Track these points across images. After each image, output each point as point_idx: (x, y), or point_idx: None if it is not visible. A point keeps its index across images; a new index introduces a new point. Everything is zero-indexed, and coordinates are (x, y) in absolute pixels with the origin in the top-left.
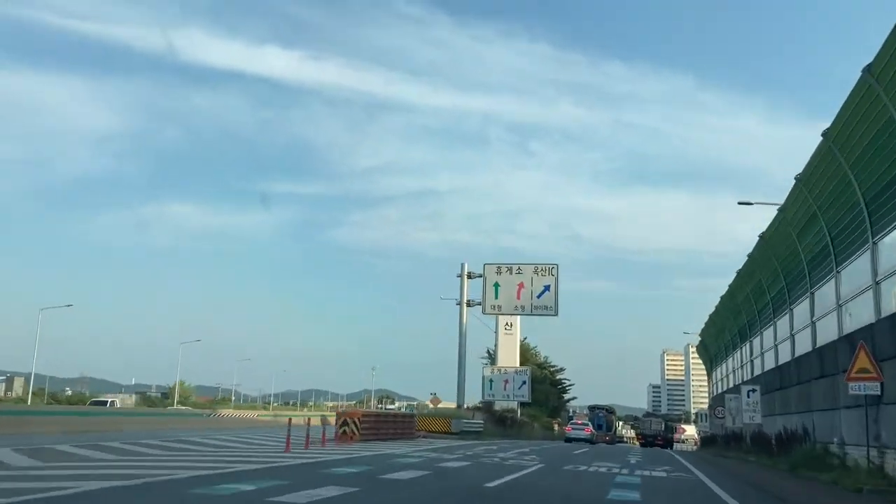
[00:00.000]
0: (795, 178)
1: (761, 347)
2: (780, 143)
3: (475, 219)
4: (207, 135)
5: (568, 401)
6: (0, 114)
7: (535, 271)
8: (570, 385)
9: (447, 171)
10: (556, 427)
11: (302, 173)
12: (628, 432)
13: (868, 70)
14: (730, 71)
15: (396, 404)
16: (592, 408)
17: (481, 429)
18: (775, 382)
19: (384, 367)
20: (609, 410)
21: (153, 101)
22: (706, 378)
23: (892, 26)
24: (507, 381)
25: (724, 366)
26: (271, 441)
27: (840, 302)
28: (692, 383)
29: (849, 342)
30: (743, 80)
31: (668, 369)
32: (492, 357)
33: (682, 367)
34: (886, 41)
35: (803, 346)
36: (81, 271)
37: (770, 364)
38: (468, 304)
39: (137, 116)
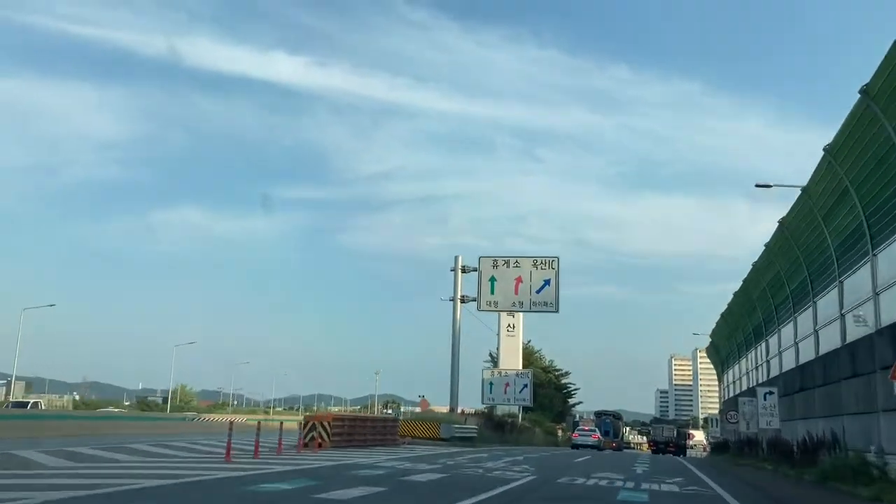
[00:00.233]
0: (824, 150)
1: (779, 346)
2: (788, 146)
3: (481, 223)
4: (214, 140)
5: (573, 405)
6: (8, 119)
7: (534, 265)
8: (575, 389)
9: (453, 176)
10: (560, 433)
11: (308, 179)
12: (635, 438)
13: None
14: (737, 75)
15: (402, 409)
16: (599, 413)
17: (475, 434)
18: (796, 384)
19: (391, 373)
20: (616, 416)
21: (160, 106)
22: (716, 382)
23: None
24: (507, 385)
25: (736, 368)
26: (221, 449)
27: (878, 289)
28: (700, 388)
29: (891, 334)
30: (750, 83)
31: (675, 374)
32: (494, 360)
33: (690, 372)
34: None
35: (830, 342)
36: (88, 276)
37: (789, 364)
38: (462, 301)
39: (145, 122)
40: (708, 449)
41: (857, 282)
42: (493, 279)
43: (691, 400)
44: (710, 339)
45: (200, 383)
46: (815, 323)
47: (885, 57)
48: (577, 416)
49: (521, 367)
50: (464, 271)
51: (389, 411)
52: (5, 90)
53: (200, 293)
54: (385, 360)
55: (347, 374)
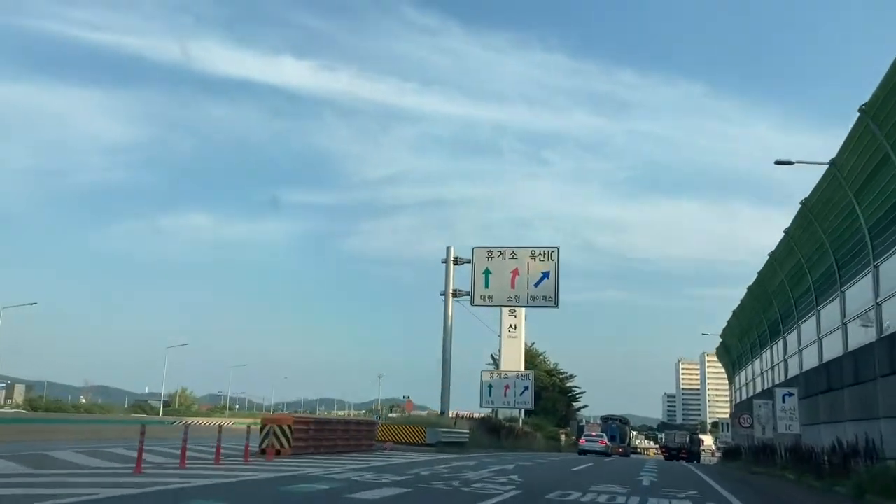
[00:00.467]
0: (860, 111)
1: (799, 343)
2: (795, 150)
3: (486, 227)
4: (221, 145)
5: (578, 409)
6: (17, 124)
7: (532, 256)
8: (580, 393)
9: (459, 180)
10: (563, 438)
11: (314, 183)
12: (642, 443)
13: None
14: (743, 78)
15: (391, 414)
16: (605, 418)
17: (466, 439)
18: (820, 384)
19: (398, 377)
20: (623, 421)
21: (168, 111)
22: (727, 384)
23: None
24: (507, 387)
25: (749, 369)
26: (158, 459)
27: None
28: (708, 392)
29: None
30: (757, 87)
31: (683, 378)
32: (496, 363)
33: (698, 377)
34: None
35: (861, 335)
36: (96, 280)
37: (811, 362)
38: (455, 295)
39: (152, 126)
40: (716, 454)
41: None
42: (487, 272)
43: (699, 404)
44: (720, 340)
45: (207, 387)
46: (844, 315)
47: None
48: (583, 420)
49: (522, 369)
50: (456, 263)
51: (373, 414)
52: (15, 94)
53: (207, 297)
54: (392, 364)
55: (355, 378)
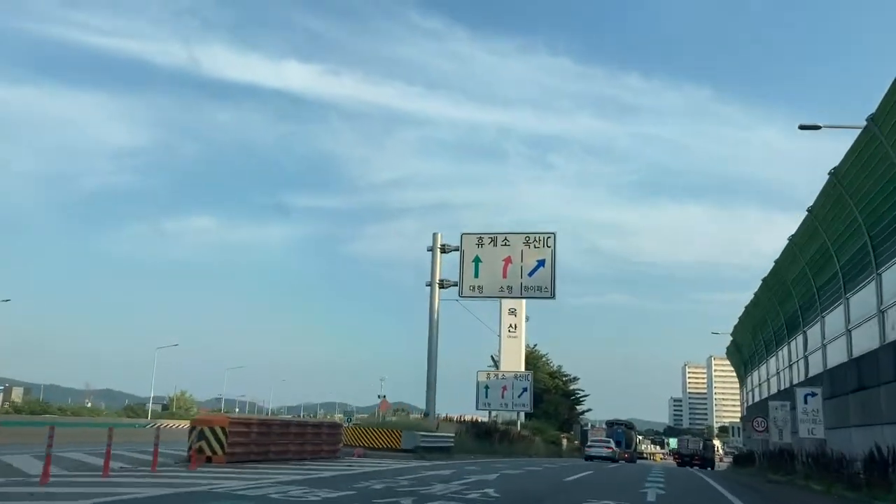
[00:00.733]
0: None
1: (822, 337)
2: (802, 154)
3: (491, 230)
4: (226, 149)
5: (582, 413)
6: (24, 128)
7: (526, 242)
8: (584, 396)
9: (464, 184)
10: (564, 442)
11: (319, 187)
12: (648, 447)
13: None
14: (748, 82)
15: (411, 417)
16: (611, 423)
17: (451, 444)
18: (849, 381)
19: (402, 381)
20: (628, 426)
21: (174, 115)
22: (735, 388)
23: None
24: (505, 388)
25: (763, 368)
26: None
27: None
28: (715, 396)
29: None
30: (762, 91)
31: (689, 382)
32: (496, 365)
33: (705, 381)
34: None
35: None
36: (101, 283)
37: (838, 357)
38: (442, 286)
39: (158, 131)
40: (724, 459)
41: None
42: (477, 260)
43: (706, 408)
44: (730, 338)
45: (212, 391)
46: (881, 301)
47: None
48: (587, 424)
49: (523, 370)
50: (443, 251)
51: (341, 416)
52: (23, 98)
53: (212, 300)
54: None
55: (359, 382)
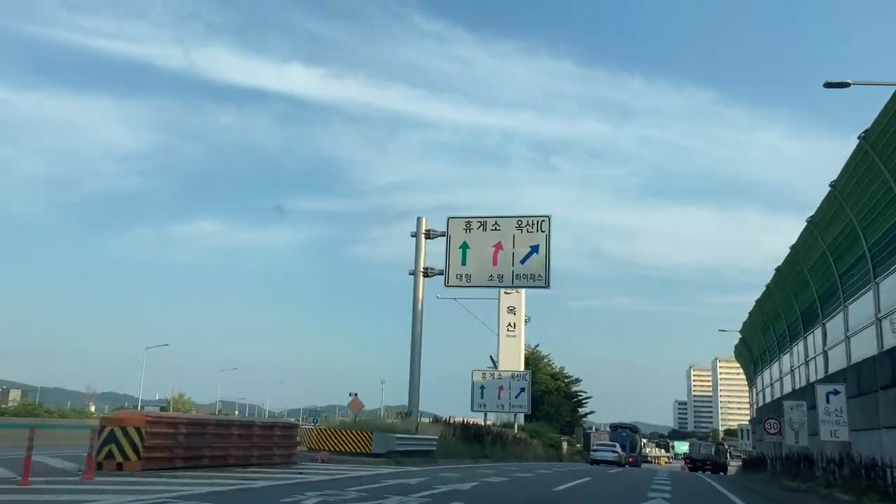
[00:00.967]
0: None
1: (846, 329)
2: (806, 156)
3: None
4: (230, 152)
5: (584, 415)
6: (29, 132)
7: (519, 227)
8: (586, 398)
9: (467, 186)
10: (565, 446)
11: (323, 190)
12: (653, 451)
13: None
14: (752, 84)
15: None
16: (615, 426)
17: (433, 447)
18: (881, 377)
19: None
20: (633, 429)
21: (177, 119)
22: (740, 391)
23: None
24: (501, 388)
25: (775, 366)
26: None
27: None
28: (720, 399)
29: None
30: (766, 93)
31: (694, 385)
32: (495, 365)
33: (710, 383)
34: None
35: None
36: (105, 286)
37: (865, 350)
38: (426, 274)
39: (162, 134)
40: (732, 464)
41: None
42: (465, 246)
43: (711, 411)
44: (739, 336)
45: (214, 393)
46: None
47: None
48: (590, 427)
49: (521, 369)
50: (429, 237)
51: (311, 418)
52: (27, 102)
53: (215, 303)
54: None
55: (364, 385)
